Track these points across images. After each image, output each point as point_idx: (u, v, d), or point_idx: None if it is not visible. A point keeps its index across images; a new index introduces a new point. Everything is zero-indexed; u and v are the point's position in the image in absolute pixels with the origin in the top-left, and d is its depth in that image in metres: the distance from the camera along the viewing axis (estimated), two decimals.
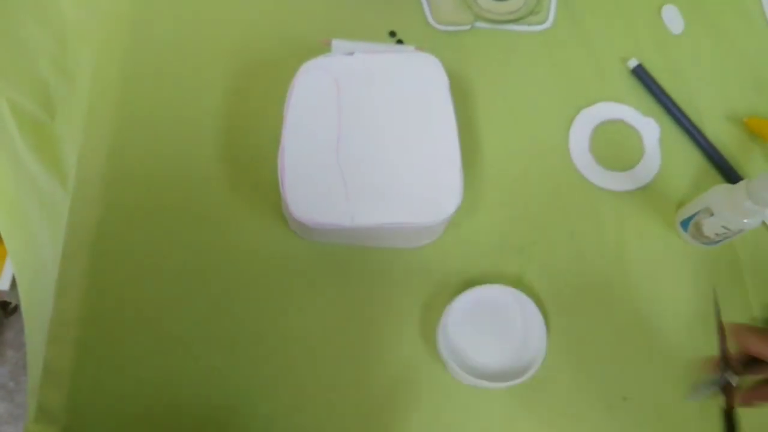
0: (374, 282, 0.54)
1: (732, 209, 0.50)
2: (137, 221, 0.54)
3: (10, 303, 1.00)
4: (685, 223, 0.55)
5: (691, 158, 0.59)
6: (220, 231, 0.54)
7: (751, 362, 0.42)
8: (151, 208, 0.54)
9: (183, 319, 0.51)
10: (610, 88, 0.61)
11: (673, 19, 0.64)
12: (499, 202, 0.57)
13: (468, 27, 0.61)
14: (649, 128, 0.59)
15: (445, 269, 0.54)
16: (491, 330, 0.52)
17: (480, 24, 0.62)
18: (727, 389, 0.42)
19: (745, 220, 0.50)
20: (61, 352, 0.50)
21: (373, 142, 0.50)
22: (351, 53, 0.53)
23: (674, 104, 0.60)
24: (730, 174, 0.58)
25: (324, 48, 0.56)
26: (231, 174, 0.55)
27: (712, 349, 0.43)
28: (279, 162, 0.49)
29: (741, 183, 0.49)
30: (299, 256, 0.54)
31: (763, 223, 0.57)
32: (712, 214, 0.52)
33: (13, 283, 0.81)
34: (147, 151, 0.56)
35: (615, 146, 0.59)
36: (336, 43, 0.55)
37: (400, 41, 0.60)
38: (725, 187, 0.51)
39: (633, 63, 0.61)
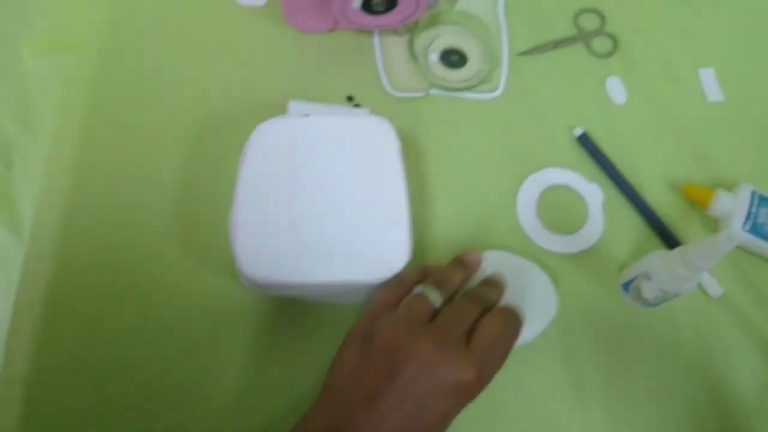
0: (330, 337, 0.54)
1: (668, 275, 0.52)
2: (91, 278, 0.54)
3: None
4: (626, 286, 0.58)
5: (632, 223, 0.62)
6: (174, 289, 0.54)
7: None
8: (106, 265, 0.55)
9: (134, 379, 0.51)
10: (557, 155, 0.64)
11: (616, 90, 0.67)
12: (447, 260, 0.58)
13: (423, 94, 0.64)
14: (593, 193, 0.62)
15: None
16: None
17: (434, 91, 0.65)
18: None
19: (681, 285, 0.53)
20: (7, 410, 0.49)
21: (326, 202, 0.52)
22: (306, 115, 0.55)
23: (617, 171, 0.63)
24: (669, 239, 0.61)
25: (281, 109, 0.58)
26: (186, 232, 0.56)
27: None
28: (231, 220, 0.51)
29: (676, 250, 0.52)
30: (252, 313, 0.54)
31: (699, 285, 0.60)
32: (649, 279, 0.54)
33: None
34: (103, 207, 0.57)
35: (561, 210, 0.62)
36: (292, 105, 0.57)
37: (357, 105, 0.62)
38: (661, 253, 0.54)
39: (578, 131, 0.64)
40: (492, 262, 0.55)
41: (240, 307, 0.54)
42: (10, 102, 0.60)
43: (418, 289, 0.50)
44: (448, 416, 0.45)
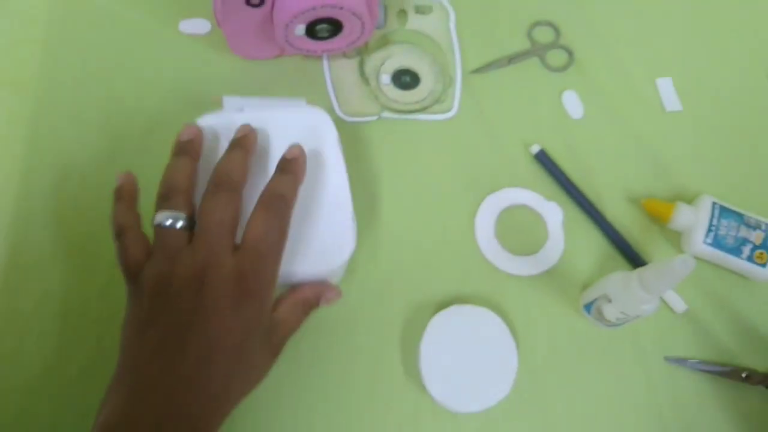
0: None
1: (627, 297, 0.51)
2: (32, 321, 0.52)
3: None
4: (587, 307, 0.56)
5: (593, 241, 0.61)
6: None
7: None
8: (53, 306, 0.53)
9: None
10: (514, 174, 0.62)
11: (573, 104, 0.66)
12: (405, 288, 0.57)
13: (375, 117, 0.63)
14: (553, 212, 0.61)
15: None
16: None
17: (387, 114, 0.63)
18: None
19: (642, 306, 0.52)
20: None
21: None
22: (241, 109, 0.53)
23: (576, 188, 0.62)
24: (631, 256, 0.60)
25: (216, 105, 0.56)
26: None
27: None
28: None
29: (633, 272, 0.51)
30: None
31: (663, 301, 0.59)
32: (610, 301, 0.53)
33: None
34: (42, 251, 0.55)
35: (520, 231, 0.60)
36: (227, 100, 0.55)
37: None
38: (620, 275, 0.52)
39: (535, 149, 0.63)
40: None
41: None
42: None
43: (156, 218, 0.45)
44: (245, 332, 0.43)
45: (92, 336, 0.53)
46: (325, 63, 0.64)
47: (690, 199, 0.62)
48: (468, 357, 0.53)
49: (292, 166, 0.49)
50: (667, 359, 0.57)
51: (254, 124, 0.52)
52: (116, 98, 0.61)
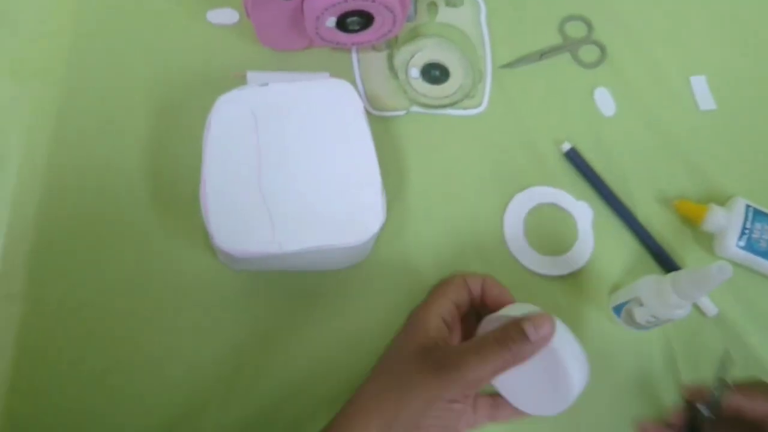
0: (316, 304, 0.55)
1: (660, 301, 0.50)
2: (64, 315, 0.52)
3: None
4: (617, 310, 0.56)
5: (624, 242, 0.60)
6: (155, 275, 0.54)
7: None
8: (80, 284, 0.53)
9: (111, 361, 0.52)
10: (544, 172, 0.61)
11: (605, 101, 0.65)
12: (432, 282, 0.56)
13: (404, 112, 0.62)
14: (583, 212, 0.60)
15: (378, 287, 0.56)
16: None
17: (416, 108, 0.62)
18: None
19: (675, 311, 0.51)
20: None
21: (294, 169, 0.52)
22: (265, 84, 0.54)
23: (607, 187, 0.61)
24: (662, 258, 0.59)
25: (239, 81, 0.56)
26: (162, 221, 0.55)
27: None
28: (201, 197, 0.50)
29: (667, 277, 0.50)
30: (230, 285, 0.54)
31: (695, 305, 0.58)
32: (641, 304, 0.52)
33: None
34: (70, 240, 0.55)
35: (548, 230, 0.60)
36: (250, 75, 0.56)
37: None
38: (653, 279, 0.52)
39: (566, 146, 0.61)
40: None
41: (217, 281, 0.54)
42: None
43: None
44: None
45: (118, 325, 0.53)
46: (354, 56, 0.64)
47: (723, 201, 0.61)
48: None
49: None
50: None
51: (280, 96, 0.53)
52: (143, 87, 0.60)
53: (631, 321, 0.55)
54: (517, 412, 0.49)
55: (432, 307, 0.51)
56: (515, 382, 0.48)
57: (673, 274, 0.49)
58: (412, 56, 0.64)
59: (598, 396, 0.54)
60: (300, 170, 0.52)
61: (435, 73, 0.63)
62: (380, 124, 0.61)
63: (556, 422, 0.53)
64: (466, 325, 0.53)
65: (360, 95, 0.61)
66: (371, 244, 0.54)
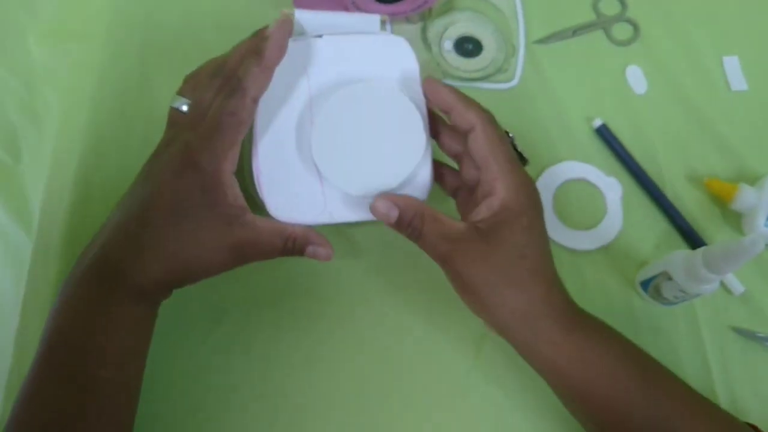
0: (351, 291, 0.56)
1: (689, 275, 0.51)
2: None
3: None
4: (645, 284, 0.56)
5: (652, 218, 0.60)
6: None
7: None
8: None
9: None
10: (575, 147, 0.62)
11: (636, 79, 0.65)
12: None
13: None
14: (612, 188, 0.60)
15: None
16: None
17: (448, 81, 0.63)
18: None
19: (703, 286, 0.51)
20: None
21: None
22: (319, 36, 0.50)
23: (636, 164, 0.61)
24: (690, 235, 0.59)
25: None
26: None
27: None
28: (253, 165, 0.48)
29: (698, 251, 0.50)
30: None
31: (721, 283, 0.58)
32: (670, 279, 0.52)
33: None
34: (110, 202, 0.55)
35: (578, 205, 0.60)
36: (299, 14, 0.50)
37: None
38: (683, 254, 0.52)
39: (597, 123, 0.62)
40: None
41: None
42: (18, 93, 0.60)
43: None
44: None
45: None
46: (388, 27, 0.64)
47: (753, 181, 0.61)
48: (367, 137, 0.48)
49: (263, 46, 0.46)
50: (737, 330, 0.57)
51: (334, 50, 0.50)
52: (179, 52, 0.61)
53: (658, 296, 0.55)
54: None
55: None
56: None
57: (704, 248, 0.50)
58: (446, 29, 0.64)
59: None
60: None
61: (468, 46, 0.64)
62: None
63: None
64: None
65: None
66: (425, 193, 0.50)
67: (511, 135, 0.52)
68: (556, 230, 0.59)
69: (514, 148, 0.50)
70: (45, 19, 0.61)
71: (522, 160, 0.57)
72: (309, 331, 0.54)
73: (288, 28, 0.48)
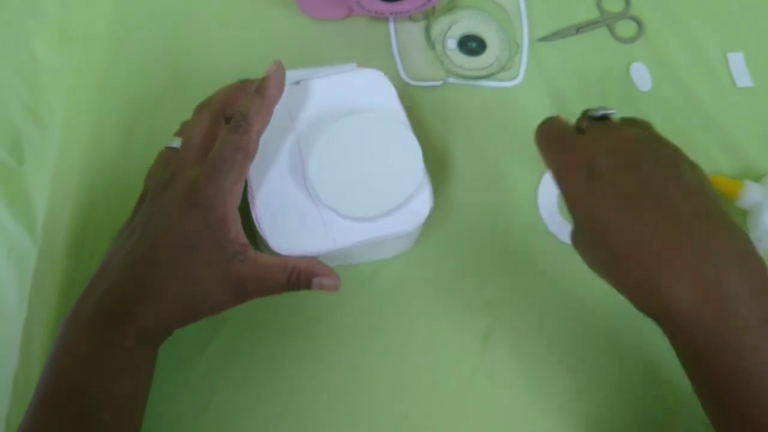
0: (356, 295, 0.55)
1: None
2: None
3: None
4: None
5: None
6: None
7: None
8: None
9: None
10: None
11: (641, 76, 0.65)
12: (468, 254, 0.57)
13: (440, 83, 0.62)
14: None
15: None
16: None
17: (452, 80, 0.63)
18: None
19: None
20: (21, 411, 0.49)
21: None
22: (297, 82, 0.53)
23: None
24: None
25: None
26: None
27: None
28: (249, 201, 0.49)
29: None
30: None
31: None
32: None
33: None
34: (114, 204, 0.56)
35: None
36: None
37: None
38: None
39: None
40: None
41: None
42: (22, 94, 0.59)
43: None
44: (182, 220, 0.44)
45: None
46: (392, 26, 0.64)
47: (758, 178, 0.61)
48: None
49: (263, 85, 0.48)
50: None
51: (314, 92, 0.53)
52: (183, 52, 0.61)
53: None
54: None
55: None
56: None
57: None
58: (449, 27, 0.64)
59: (630, 373, 0.55)
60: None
61: (472, 44, 0.64)
62: (417, 94, 0.61)
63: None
64: None
65: (396, 64, 0.61)
66: (419, 232, 0.53)
67: (612, 111, 0.51)
68: (561, 229, 0.59)
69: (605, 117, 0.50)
70: (49, 22, 0.61)
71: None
72: (310, 333, 0.54)
73: (283, 71, 0.49)
